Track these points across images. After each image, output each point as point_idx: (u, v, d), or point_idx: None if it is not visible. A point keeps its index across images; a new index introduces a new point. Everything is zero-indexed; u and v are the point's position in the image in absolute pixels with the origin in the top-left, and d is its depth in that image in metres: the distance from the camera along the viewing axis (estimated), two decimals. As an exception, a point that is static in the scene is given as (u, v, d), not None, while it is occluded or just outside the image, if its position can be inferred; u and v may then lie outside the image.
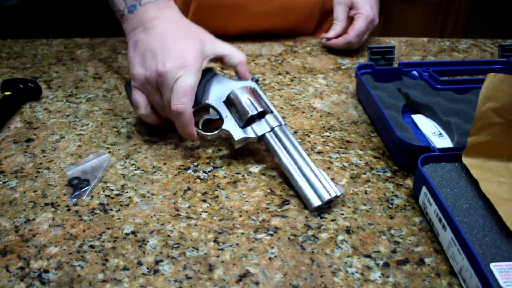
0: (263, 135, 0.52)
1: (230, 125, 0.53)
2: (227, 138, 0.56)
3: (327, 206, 0.48)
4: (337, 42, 0.81)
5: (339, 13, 0.82)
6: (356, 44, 0.80)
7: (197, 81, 0.52)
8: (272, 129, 0.52)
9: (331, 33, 0.81)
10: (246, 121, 0.52)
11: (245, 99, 0.53)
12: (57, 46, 0.83)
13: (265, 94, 0.55)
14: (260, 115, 0.53)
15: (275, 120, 0.53)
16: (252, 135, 0.52)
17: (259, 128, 0.52)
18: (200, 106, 0.55)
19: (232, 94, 0.54)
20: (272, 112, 0.53)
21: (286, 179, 0.51)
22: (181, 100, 0.50)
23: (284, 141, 0.51)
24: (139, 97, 0.54)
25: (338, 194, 0.47)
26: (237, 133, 0.53)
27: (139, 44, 0.54)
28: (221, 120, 0.54)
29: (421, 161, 0.47)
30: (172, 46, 0.52)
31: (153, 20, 0.54)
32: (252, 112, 0.52)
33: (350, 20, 0.83)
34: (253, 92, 0.55)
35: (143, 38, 0.54)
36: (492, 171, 0.47)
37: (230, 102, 0.54)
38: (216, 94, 0.56)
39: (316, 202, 0.46)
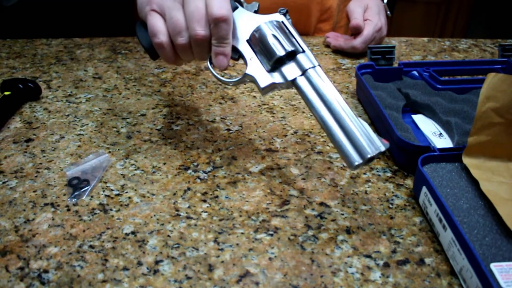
0: (294, 79, 0.45)
1: (255, 69, 0.47)
2: (252, 83, 0.49)
3: (368, 163, 0.42)
4: (343, 45, 0.81)
5: (356, 13, 0.81)
6: (361, 50, 0.80)
7: None
8: (304, 72, 0.45)
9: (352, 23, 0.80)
10: (273, 63, 0.46)
11: (272, 38, 0.46)
12: (57, 46, 0.83)
13: (295, 29, 0.47)
14: (290, 55, 0.46)
15: (308, 60, 0.45)
16: (280, 80, 0.46)
17: (289, 72, 0.46)
18: None
19: (256, 32, 0.47)
20: (303, 51, 0.46)
21: (286, 179, 0.51)
22: (222, 4, 0.43)
23: (318, 86, 0.44)
24: (158, 21, 0.46)
25: (382, 149, 0.41)
26: (263, 79, 0.46)
27: None
28: (244, 63, 0.48)
29: (421, 161, 0.47)
30: None
31: None
32: (279, 53, 0.45)
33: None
34: (282, 27, 0.47)
35: None
36: (493, 171, 0.47)
37: (254, 41, 0.48)
38: (238, 32, 0.48)
39: (356, 160, 0.41)
